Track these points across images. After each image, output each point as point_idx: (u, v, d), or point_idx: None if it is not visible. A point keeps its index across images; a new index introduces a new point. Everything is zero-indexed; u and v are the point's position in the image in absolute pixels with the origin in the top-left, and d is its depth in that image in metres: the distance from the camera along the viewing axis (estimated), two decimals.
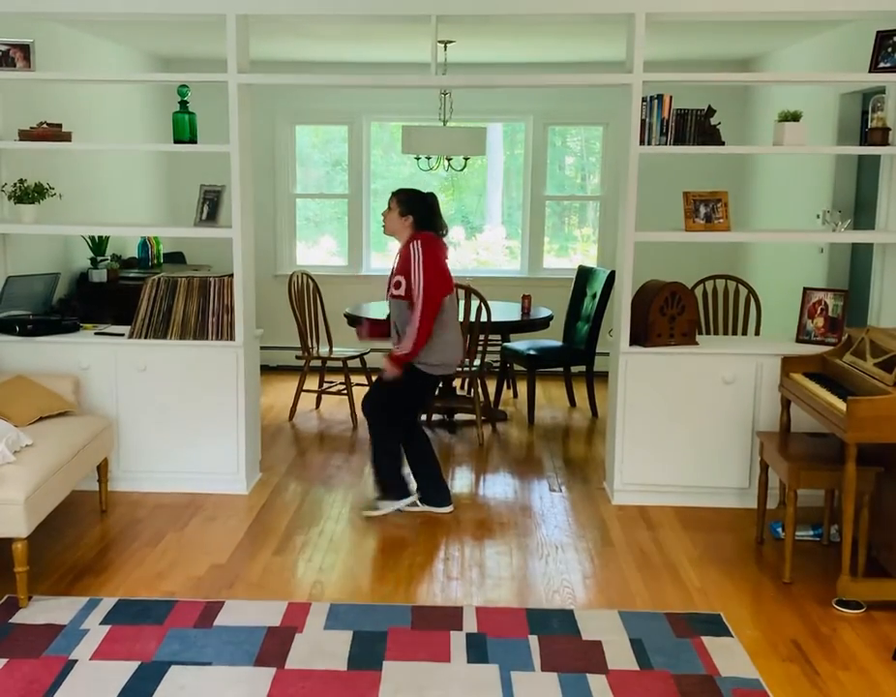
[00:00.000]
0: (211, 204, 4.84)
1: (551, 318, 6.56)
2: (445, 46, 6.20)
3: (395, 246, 4.64)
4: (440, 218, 4.55)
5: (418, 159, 6.87)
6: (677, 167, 6.80)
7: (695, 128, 4.55)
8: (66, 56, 5.83)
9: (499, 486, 5.16)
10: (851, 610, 3.58)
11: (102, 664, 3.13)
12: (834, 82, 5.58)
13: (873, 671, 3.16)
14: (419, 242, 4.39)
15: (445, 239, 4.56)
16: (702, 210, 4.62)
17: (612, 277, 6.15)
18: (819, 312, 4.71)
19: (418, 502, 4.62)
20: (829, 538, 4.26)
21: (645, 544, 4.28)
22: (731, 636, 3.38)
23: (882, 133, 4.54)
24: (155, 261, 6.82)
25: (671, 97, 4.53)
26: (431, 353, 4.42)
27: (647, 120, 4.52)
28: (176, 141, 4.77)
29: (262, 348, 5.36)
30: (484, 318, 5.81)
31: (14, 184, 4.82)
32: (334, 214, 8.55)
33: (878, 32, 4.45)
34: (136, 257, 6.79)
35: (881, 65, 4.45)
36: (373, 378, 4.89)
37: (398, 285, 4.42)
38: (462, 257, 8.35)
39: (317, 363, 6.56)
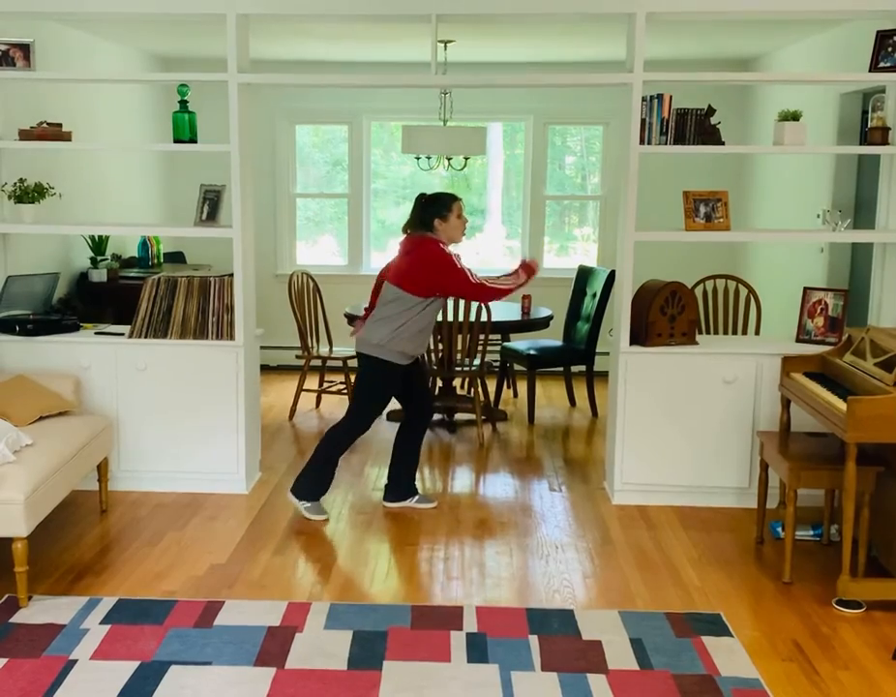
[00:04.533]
0: (211, 204, 4.84)
1: (551, 317, 6.56)
2: (445, 46, 6.20)
3: (394, 245, 4.61)
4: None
5: (418, 158, 6.87)
6: (677, 167, 6.81)
7: (695, 127, 4.55)
8: (66, 56, 5.83)
9: (499, 486, 5.16)
10: (851, 610, 3.58)
11: (102, 664, 3.13)
12: (834, 82, 5.58)
13: (873, 671, 3.16)
14: None
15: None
16: (702, 210, 4.62)
17: (612, 276, 6.15)
18: (819, 311, 4.71)
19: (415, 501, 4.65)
20: (829, 538, 4.26)
21: (645, 544, 4.28)
22: (732, 636, 3.38)
23: (882, 132, 4.54)
24: (155, 261, 6.82)
25: (671, 96, 4.52)
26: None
27: (647, 120, 4.52)
28: (176, 141, 4.77)
29: (262, 347, 5.36)
30: (484, 317, 5.81)
31: (15, 184, 4.82)
32: (334, 214, 8.55)
33: (878, 32, 4.45)
34: (136, 256, 6.79)
35: (881, 64, 4.45)
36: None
37: None
38: (462, 256, 8.32)
39: (317, 363, 6.56)
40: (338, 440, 4.58)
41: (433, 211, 4.42)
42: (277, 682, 3.03)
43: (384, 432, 6.08)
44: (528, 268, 4.56)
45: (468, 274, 4.37)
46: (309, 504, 4.54)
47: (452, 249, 4.50)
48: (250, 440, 4.89)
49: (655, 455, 4.72)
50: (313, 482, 4.56)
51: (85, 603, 3.56)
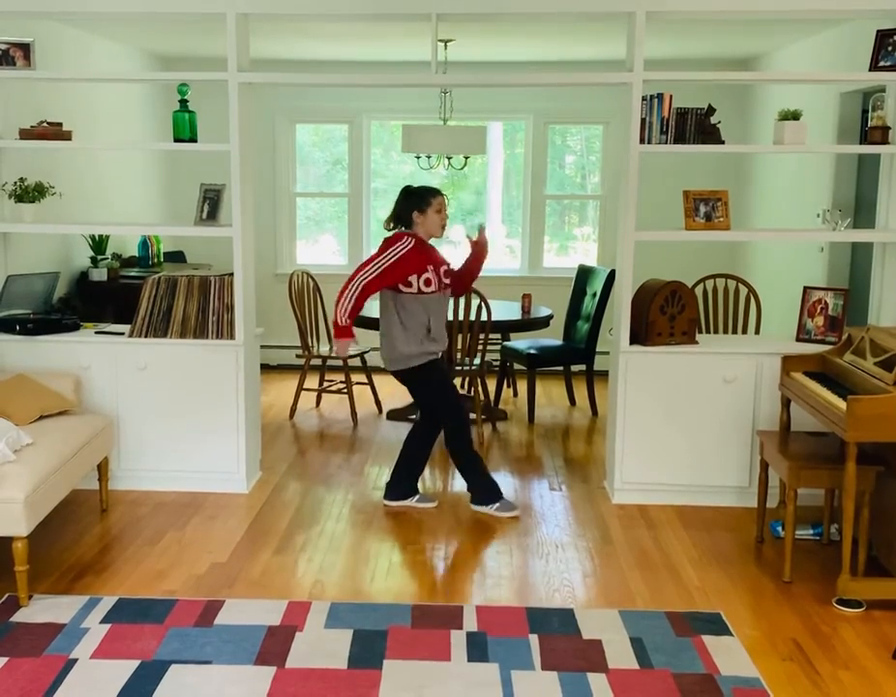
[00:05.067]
0: (211, 203, 4.84)
1: (551, 317, 6.56)
2: (445, 45, 6.20)
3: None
4: None
5: (418, 158, 6.87)
6: (677, 167, 6.81)
7: (695, 127, 4.55)
8: (66, 55, 5.83)
9: (499, 485, 5.15)
10: (852, 609, 3.58)
11: (102, 663, 3.13)
12: (834, 81, 5.58)
13: (873, 670, 3.16)
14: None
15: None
16: (702, 209, 4.62)
17: (612, 276, 6.16)
18: (819, 311, 4.71)
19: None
20: (829, 537, 4.26)
21: (645, 543, 4.28)
22: (732, 635, 3.38)
23: (882, 131, 4.54)
24: (155, 260, 6.82)
25: (671, 96, 4.52)
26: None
27: (648, 119, 4.52)
28: (176, 140, 4.77)
29: (262, 346, 5.37)
30: (484, 317, 5.81)
31: (15, 183, 4.83)
32: (334, 213, 8.55)
33: (878, 31, 4.45)
34: (137, 255, 6.79)
35: (882, 64, 4.45)
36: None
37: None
38: (462, 255, 8.33)
39: (318, 362, 6.56)
40: (463, 441, 4.61)
41: (412, 204, 4.46)
42: (277, 682, 3.03)
43: (384, 431, 6.09)
44: (479, 251, 4.78)
45: (362, 279, 4.31)
46: (497, 504, 4.60)
47: (446, 254, 4.50)
48: (250, 440, 4.89)
49: (655, 454, 4.72)
50: (487, 486, 4.64)
51: (85, 602, 3.56)
